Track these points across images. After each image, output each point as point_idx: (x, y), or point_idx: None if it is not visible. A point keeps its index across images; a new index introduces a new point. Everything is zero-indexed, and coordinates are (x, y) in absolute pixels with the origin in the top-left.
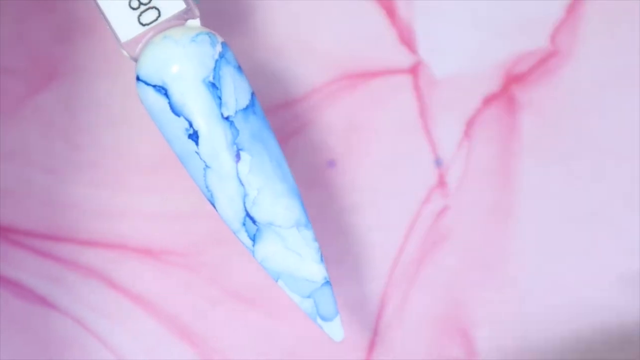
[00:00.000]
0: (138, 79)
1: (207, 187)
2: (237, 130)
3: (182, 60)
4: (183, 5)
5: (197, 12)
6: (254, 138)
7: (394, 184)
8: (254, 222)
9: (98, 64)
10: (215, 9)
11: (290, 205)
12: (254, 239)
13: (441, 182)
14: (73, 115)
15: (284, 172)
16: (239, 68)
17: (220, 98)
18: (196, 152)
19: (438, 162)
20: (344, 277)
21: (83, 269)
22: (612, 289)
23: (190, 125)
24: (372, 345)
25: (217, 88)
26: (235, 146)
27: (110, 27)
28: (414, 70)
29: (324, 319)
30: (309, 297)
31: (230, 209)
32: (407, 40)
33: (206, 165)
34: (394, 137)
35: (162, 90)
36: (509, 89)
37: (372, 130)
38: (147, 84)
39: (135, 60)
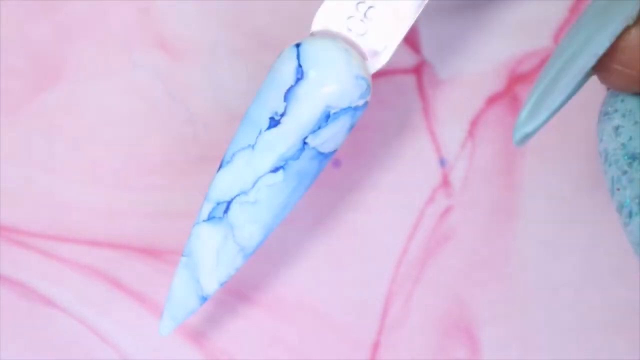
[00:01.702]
0: None
1: None
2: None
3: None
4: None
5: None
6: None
7: (398, 184)
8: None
9: (98, 64)
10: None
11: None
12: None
13: (445, 182)
14: (73, 115)
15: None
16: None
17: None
18: None
19: (442, 162)
20: (349, 276)
21: (86, 269)
22: (613, 289)
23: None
24: (376, 345)
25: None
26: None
27: None
28: (418, 70)
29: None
30: None
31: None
32: (411, 40)
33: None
34: (398, 137)
35: None
36: (513, 88)
37: (376, 130)
38: None
39: None
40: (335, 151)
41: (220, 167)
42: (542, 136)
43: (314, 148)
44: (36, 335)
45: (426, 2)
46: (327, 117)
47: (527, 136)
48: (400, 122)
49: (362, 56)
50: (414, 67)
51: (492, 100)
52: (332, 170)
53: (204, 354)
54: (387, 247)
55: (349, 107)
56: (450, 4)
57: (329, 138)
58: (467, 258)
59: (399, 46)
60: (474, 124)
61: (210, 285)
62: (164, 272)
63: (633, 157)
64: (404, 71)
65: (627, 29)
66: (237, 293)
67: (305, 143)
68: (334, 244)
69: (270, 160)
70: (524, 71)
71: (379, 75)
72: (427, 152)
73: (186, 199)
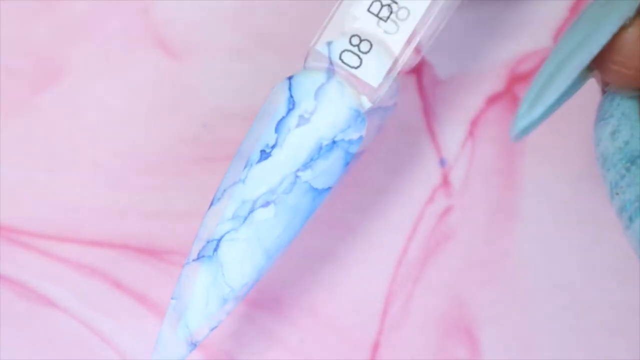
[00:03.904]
0: None
1: None
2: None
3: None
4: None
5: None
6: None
7: (398, 184)
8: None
9: (98, 64)
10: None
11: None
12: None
13: (445, 182)
14: (73, 115)
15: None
16: (348, 161)
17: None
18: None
19: (442, 162)
20: (349, 276)
21: (86, 269)
22: (613, 289)
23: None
24: (376, 345)
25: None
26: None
27: None
28: (417, 70)
29: None
30: None
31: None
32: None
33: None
34: (398, 136)
35: None
36: (513, 88)
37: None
38: None
39: None
40: (330, 188)
41: (211, 204)
42: (542, 136)
43: (306, 182)
44: (36, 335)
45: (418, 39)
46: (319, 150)
47: (524, 131)
48: (400, 122)
49: (356, 89)
50: (414, 67)
51: (492, 100)
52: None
53: (204, 354)
54: (387, 247)
55: (342, 140)
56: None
57: (322, 172)
58: (467, 258)
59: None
60: (474, 124)
61: (200, 331)
62: (164, 272)
63: (631, 161)
64: (404, 71)
65: (623, 28)
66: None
67: (297, 177)
68: (334, 243)
69: (259, 194)
70: (524, 71)
71: None
72: (427, 152)
73: (186, 199)
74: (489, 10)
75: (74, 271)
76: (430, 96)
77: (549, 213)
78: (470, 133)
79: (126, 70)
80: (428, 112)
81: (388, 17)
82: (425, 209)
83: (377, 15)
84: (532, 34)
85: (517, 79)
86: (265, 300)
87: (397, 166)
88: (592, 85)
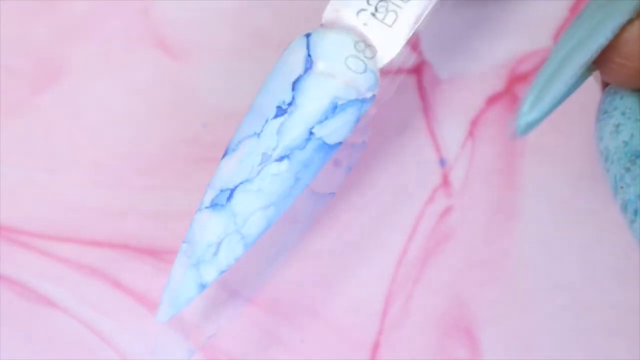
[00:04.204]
0: None
1: None
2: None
3: None
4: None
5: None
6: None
7: (398, 184)
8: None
9: (98, 64)
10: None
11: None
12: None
13: (445, 182)
14: (73, 115)
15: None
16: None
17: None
18: None
19: (442, 162)
20: (349, 276)
21: (86, 269)
22: (613, 289)
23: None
24: (376, 345)
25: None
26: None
27: None
28: (417, 70)
29: None
30: None
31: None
32: (411, 40)
33: None
34: (398, 136)
35: None
36: (513, 88)
37: (376, 130)
38: None
39: None
40: (340, 143)
41: (225, 154)
42: (542, 136)
43: (320, 138)
44: (36, 335)
45: (434, 2)
46: (334, 108)
47: (526, 129)
48: (400, 122)
49: (371, 49)
50: (414, 67)
51: (492, 100)
52: (332, 170)
53: (204, 354)
54: (387, 247)
55: (356, 100)
56: (450, 4)
57: (336, 129)
58: (467, 258)
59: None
60: (474, 124)
61: (210, 273)
62: (164, 272)
63: (636, 155)
64: (404, 71)
65: (629, 22)
66: (236, 292)
67: (311, 133)
68: (334, 243)
69: (274, 148)
70: (524, 71)
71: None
72: (427, 152)
73: (186, 199)
74: (488, 10)
75: (74, 271)
76: (430, 96)
77: (549, 213)
78: (470, 133)
79: (126, 70)
80: (428, 112)
81: None
82: (425, 209)
83: None
84: (532, 34)
85: (517, 79)
86: (265, 300)
87: (397, 166)
88: (592, 84)
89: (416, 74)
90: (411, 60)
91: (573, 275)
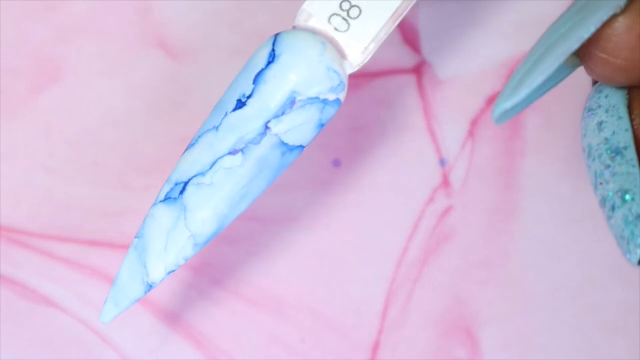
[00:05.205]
0: None
1: None
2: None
3: None
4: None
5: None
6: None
7: (398, 184)
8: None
9: (98, 64)
10: None
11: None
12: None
13: (445, 182)
14: (73, 115)
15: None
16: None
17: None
18: None
19: (442, 162)
20: (348, 277)
21: (86, 269)
22: (613, 289)
23: None
24: (376, 345)
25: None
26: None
27: None
28: (417, 70)
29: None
30: None
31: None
32: (410, 40)
33: None
34: (398, 136)
35: None
36: None
37: (376, 130)
38: None
39: None
40: (301, 147)
41: (186, 150)
42: (542, 135)
43: (276, 135)
44: (36, 335)
45: (411, 6)
46: (292, 103)
47: (506, 114)
48: (400, 122)
49: (340, 53)
50: (414, 67)
51: (492, 100)
52: (332, 170)
53: (203, 353)
54: (387, 247)
55: (317, 98)
56: (450, 4)
57: (294, 128)
58: (467, 258)
59: (399, 46)
60: (474, 124)
61: (157, 271)
62: None
63: (616, 151)
64: (404, 71)
65: (614, 17)
66: (236, 292)
67: (267, 127)
68: (334, 243)
69: (230, 141)
70: None
71: (379, 75)
72: (427, 152)
73: None
74: (488, 10)
75: (74, 271)
76: (430, 96)
77: (549, 213)
78: (470, 133)
79: (126, 70)
80: (428, 112)
81: None
82: (425, 209)
83: None
84: (532, 34)
85: None
86: (265, 300)
87: (397, 166)
88: (590, 85)
89: (416, 74)
90: (411, 61)
91: (573, 275)
